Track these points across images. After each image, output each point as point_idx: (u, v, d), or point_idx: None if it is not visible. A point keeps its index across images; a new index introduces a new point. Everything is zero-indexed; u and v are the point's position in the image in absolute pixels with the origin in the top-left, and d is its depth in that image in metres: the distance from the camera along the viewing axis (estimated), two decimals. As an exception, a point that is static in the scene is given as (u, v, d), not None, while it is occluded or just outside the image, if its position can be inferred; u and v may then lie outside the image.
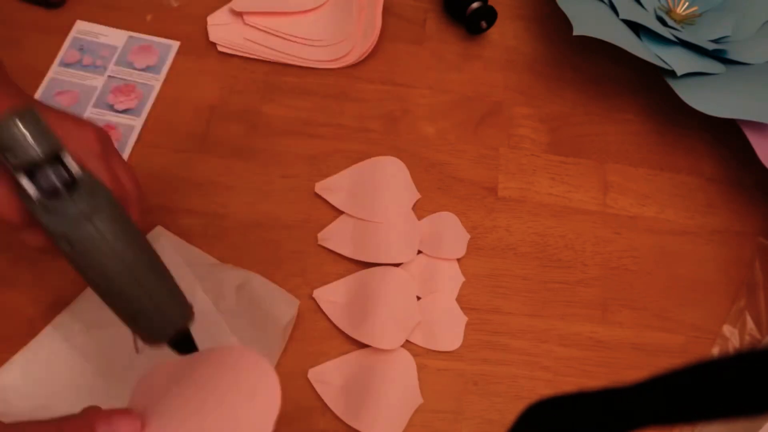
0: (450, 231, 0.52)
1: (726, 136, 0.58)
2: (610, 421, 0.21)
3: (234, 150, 0.54)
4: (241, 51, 0.57)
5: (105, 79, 0.55)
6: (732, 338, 0.51)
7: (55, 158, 0.32)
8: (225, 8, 0.59)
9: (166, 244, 0.48)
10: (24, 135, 0.30)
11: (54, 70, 0.55)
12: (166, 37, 0.58)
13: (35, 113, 0.31)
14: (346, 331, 0.47)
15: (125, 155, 0.52)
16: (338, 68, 0.58)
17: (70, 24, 0.58)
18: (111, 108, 0.54)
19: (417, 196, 0.54)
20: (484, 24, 0.60)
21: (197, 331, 0.38)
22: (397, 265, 0.50)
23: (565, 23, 0.52)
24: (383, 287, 0.48)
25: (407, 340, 0.48)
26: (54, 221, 0.32)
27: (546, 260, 0.52)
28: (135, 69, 0.56)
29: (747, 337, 0.51)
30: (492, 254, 0.52)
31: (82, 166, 0.33)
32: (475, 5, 0.58)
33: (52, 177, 0.32)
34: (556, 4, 0.53)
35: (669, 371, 0.19)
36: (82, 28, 0.57)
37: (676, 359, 0.48)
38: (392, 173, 0.54)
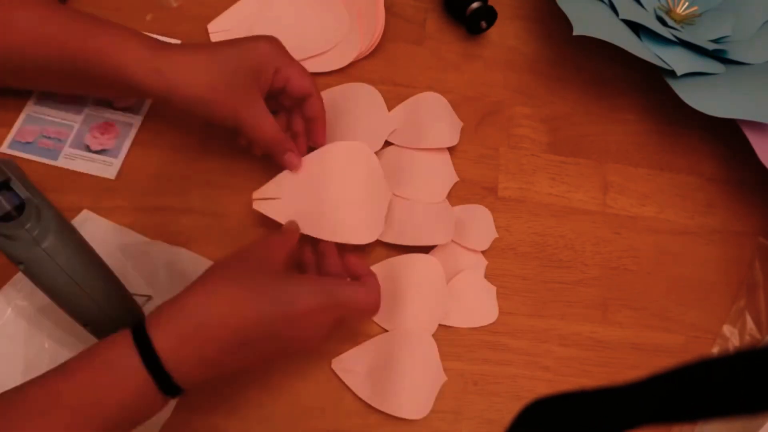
0: (480, 222, 0.53)
1: (726, 136, 0.58)
2: (608, 420, 0.21)
3: (234, 150, 0.54)
4: None
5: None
6: (732, 338, 0.51)
7: (3, 185, 0.36)
8: (225, 14, 0.59)
9: (94, 228, 0.48)
10: None
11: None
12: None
13: None
14: (380, 323, 0.48)
15: (123, 153, 0.52)
16: (339, 69, 0.58)
17: (70, 24, 0.58)
18: (109, 105, 0.54)
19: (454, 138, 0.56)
20: (484, 24, 0.60)
21: (129, 308, 0.42)
22: (426, 251, 0.50)
23: (565, 23, 0.52)
24: (413, 275, 0.49)
25: (441, 324, 0.49)
26: (9, 245, 0.36)
27: (546, 260, 0.52)
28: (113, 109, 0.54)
29: (747, 337, 0.51)
30: (492, 254, 0.52)
31: (26, 191, 0.38)
32: (475, 5, 0.58)
33: (3, 202, 0.36)
34: (555, 4, 0.53)
35: (668, 370, 0.19)
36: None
37: (676, 359, 0.48)
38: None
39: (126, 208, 0.51)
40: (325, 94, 0.56)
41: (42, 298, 0.43)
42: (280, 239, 0.43)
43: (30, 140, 0.51)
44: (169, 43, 0.45)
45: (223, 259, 0.40)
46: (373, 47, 0.58)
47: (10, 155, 0.51)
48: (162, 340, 0.34)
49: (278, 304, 0.37)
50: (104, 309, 0.40)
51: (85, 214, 0.49)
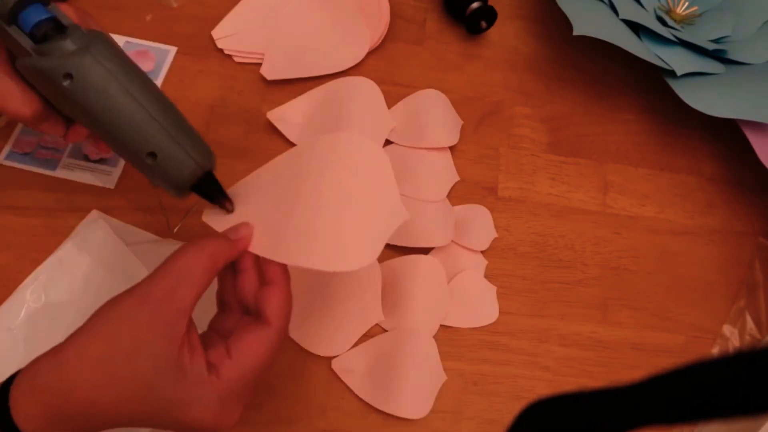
0: (479, 222, 0.53)
1: (726, 136, 0.58)
2: (608, 420, 0.21)
3: (234, 150, 0.54)
4: (252, 57, 0.57)
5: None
6: (732, 338, 0.51)
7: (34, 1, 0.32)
8: (227, 18, 0.59)
9: (104, 228, 0.48)
10: None
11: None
12: (166, 36, 0.58)
13: None
14: (381, 324, 0.48)
15: (122, 161, 0.52)
16: (347, 68, 0.58)
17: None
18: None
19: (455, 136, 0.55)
20: (484, 24, 0.60)
21: None
22: (425, 252, 0.50)
23: (565, 23, 0.52)
24: (414, 276, 0.49)
25: (441, 325, 0.49)
26: (51, 61, 0.31)
27: (546, 260, 0.52)
28: None
29: (747, 337, 0.51)
30: (492, 254, 0.52)
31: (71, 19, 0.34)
32: (475, 5, 0.58)
33: (39, 21, 0.32)
34: (555, 4, 0.53)
35: (668, 370, 0.19)
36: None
37: (676, 359, 0.48)
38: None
39: (126, 208, 0.50)
40: (324, 88, 0.56)
41: (57, 295, 0.42)
42: (204, 258, 0.33)
43: (28, 151, 0.51)
44: None
45: (117, 298, 0.32)
46: (376, 45, 0.58)
47: (8, 167, 0.50)
48: (25, 414, 0.30)
49: (158, 412, 0.31)
50: (172, 133, 0.34)
51: (95, 213, 0.49)
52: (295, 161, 0.37)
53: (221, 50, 0.58)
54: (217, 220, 0.37)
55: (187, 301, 0.32)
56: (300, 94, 0.56)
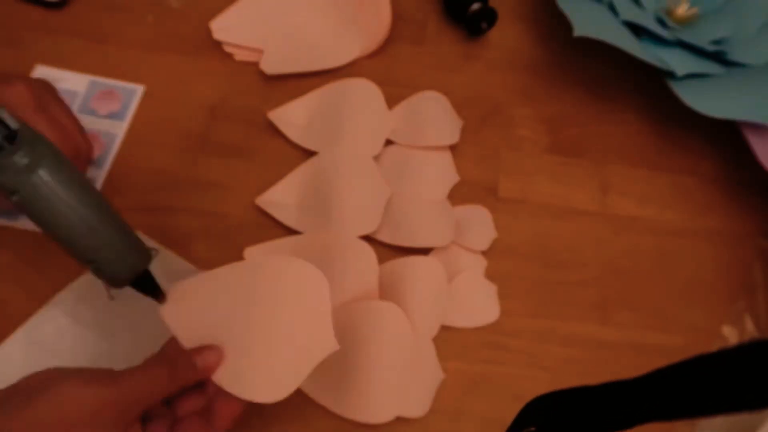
0: (479, 223, 0.53)
1: (726, 136, 0.58)
2: (610, 416, 0.21)
3: (234, 150, 0.54)
4: (248, 48, 0.57)
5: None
6: (732, 339, 0.51)
7: None
8: (228, 12, 0.59)
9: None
10: None
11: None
12: (167, 37, 0.58)
13: None
14: None
15: (107, 165, 0.52)
16: (339, 69, 0.58)
17: (71, 24, 0.58)
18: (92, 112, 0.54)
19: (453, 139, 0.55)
20: (484, 25, 0.60)
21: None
22: (425, 252, 0.50)
23: (566, 24, 0.52)
24: (415, 278, 0.49)
25: (442, 325, 0.49)
26: (1, 176, 0.33)
27: (546, 260, 0.52)
28: (97, 116, 0.54)
29: (747, 338, 0.51)
30: (492, 254, 0.52)
31: (20, 120, 0.34)
32: (475, 6, 0.59)
33: None
34: (556, 6, 0.53)
35: (669, 366, 0.19)
36: (42, 72, 0.55)
37: (676, 359, 0.48)
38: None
39: (126, 208, 0.50)
40: (325, 89, 0.56)
41: (85, 313, 0.42)
42: (170, 386, 0.34)
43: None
44: None
45: (67, 387, 0.31)
46: (378, 47, 0.58)
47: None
48: None
49: None
50: (109, 242, 0.36)
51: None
52: (242, 279, 0.39)
53: (221, 50, 0.58)
54: (175, 320, 0.38)
55: (136, 413, 0.33)
56: (301, 94, 0.56)
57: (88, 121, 0.53)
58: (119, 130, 0.53)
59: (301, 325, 0.37)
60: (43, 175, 0.34)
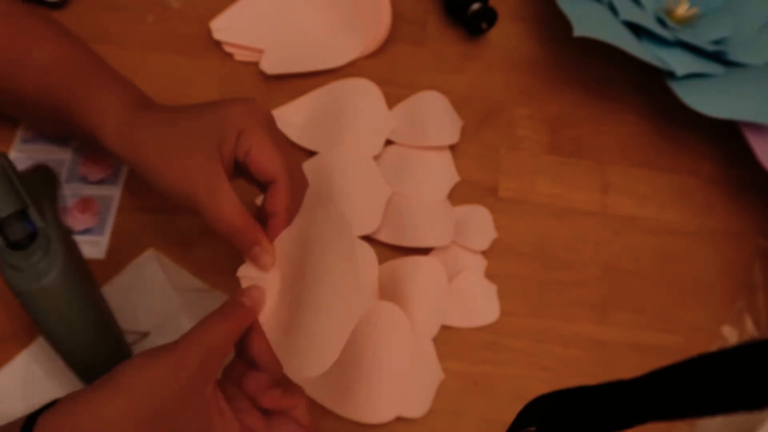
0: (479, 223, 0.53)
1: (726, 136, 0.58)
2: (610, 416, 0.21)
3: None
4: (248, 48, 0.57)
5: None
6: (732, 339, 0.51)
7: (21, 212, 0.35)
8: (228, 12, 0.59)
9: (157, 269, 0.48)
10: None
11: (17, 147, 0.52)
12: (167, 37, 0.58)
13: (5, 167, 0.35)
14: None
15: (107, 230, 0.52)
16: (339, 69, 0.58)
17: (71, 24, 0.58)
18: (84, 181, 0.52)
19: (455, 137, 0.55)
20: (484, 25, 0.60)
21: None
22: (425, 252, 0.50)
23: (566, 24, 0.52)
24: (415, 278, 0.48)
25: (442, 325, 0.49)
26: (12, 276, 0.35)
27: (546, 260, 0.52)
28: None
29: (746, 338, 0.51)
30: (492, 254, 0.52)
31: (49, 216, 0.37)
32: (475, 6, 0.59)
33: (17, 230, 0.35)
34: (556, 6, 0.53)
35: (669, 366, 0.19)
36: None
37: (676, 359, 0.48)
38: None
39: (126, 208, 0.51)
40: (325, 89, 0.56)
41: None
42: (231, 330, 0.34)
43: None
44: (145, 102, 0.42)
45: (149, 361, 0.32)
46: (378, 47, 0.58)
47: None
48: None
49: None
50: (92, 354, 0.39)
51: (151, 253, 0.49)
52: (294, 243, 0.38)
53: (221, 50, 0.58)
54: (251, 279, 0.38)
55: (215, 372, 0.33)
56: (301, 95, 0.56)
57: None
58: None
59: (331, 285, 0.36)
60: (48, 286, 0.36)
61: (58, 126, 0.46)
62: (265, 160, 0.37)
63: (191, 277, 0.49)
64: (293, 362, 0.35)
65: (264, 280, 0.38)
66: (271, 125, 0.39)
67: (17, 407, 0.43)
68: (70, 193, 0.50)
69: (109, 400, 0.30)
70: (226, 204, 0.36)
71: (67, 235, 0.39)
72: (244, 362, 0.37)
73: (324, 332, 0.35)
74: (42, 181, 0.41)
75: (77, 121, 0.41)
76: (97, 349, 0.39)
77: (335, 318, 0.35)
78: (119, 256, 0.49)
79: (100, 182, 0.51)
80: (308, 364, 0.35)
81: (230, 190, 0.37)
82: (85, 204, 0.50)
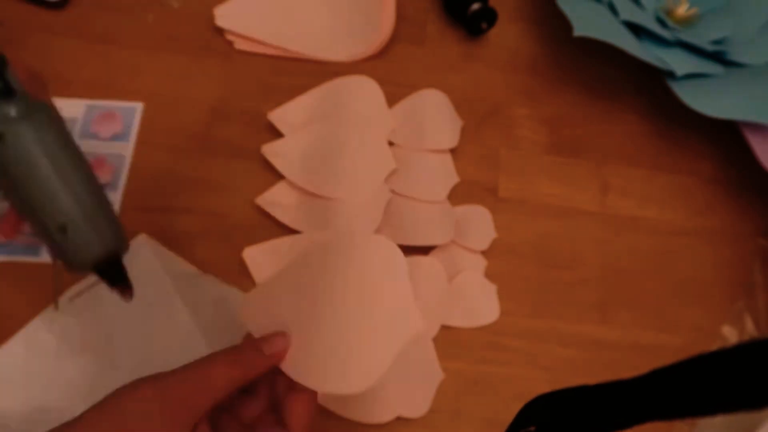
0: (479, 223, 0.53)
1: (726, 136, 0.58)
2: (610, 415, 0.21)
3: (234, 150, 0.54)
4: (252, 40, 0.57)
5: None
6: (732, 338, 0.51)
7: None
8: (233, 1, 0.59)
9: (148, 253, 0.48)
10: None
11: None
12: (167, 37, 0.58)
13: None
14: None
15: (128, 158, 0.52)
16: (339, 69, 0.58)
17: (71, 24, 0.58)
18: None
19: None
20: (484, 25, 0.60)
21: (172, 341, 0.38)
22: (426, 252, 0.50)
23: (566, 24, 0.52)
24: (415, 279, 0.48)
25: (442, 325, 0.49)
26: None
27: (546, 260, 0.52)
28: (100, 140, 0.53)
29: (746, 338, 0.51)
30: (492, 254, 0.52)
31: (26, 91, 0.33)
32: (475, 6, 0.59)
33: None
34: (556, 6, 0.53)
35: (669, 366, 0.19)
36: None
37: (676, 359, 0.48)
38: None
39: (126, 208, 0.51)
40: (325, 87, 0.56)
41: (95, 311, 0.41)
42: (236, 373, 0.32)
43: (3, 241, 0.48)
44: None
45: (138, 387, 0.31)
46: (380, 48, 0.58)
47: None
48: None
49: None
50: (85, 205, 0.34)
51: (143, 238, 0.49)
52: (315, 260, 0.36)
53: (221, 51, 0.58)
54: (254, 315, 0.36)
55: (205, 407, 0.31)
56: (301, 93, 0.56)
57: (91, 145, 0.52)
58: (126, 151, 0.53)
59: (380, 306, 0.34)
60: (34, 124, 0.33)
61: None
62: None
63: (183, 261, 0.49)
64: (329, 380, 0.33)
65: (264, 323, 0.35)
66: None
67: (17, 389, 0.43)
68: (84, 150, 0.50)
69: (94, 421, 0.30)
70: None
71: (49, 106, 0.36)
72: (265, 404, 0.35)
73: (367, 348, 0.33)
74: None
75: None
76: (92, 206, 0.35)
77: (381, 335, 0.33)
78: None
79: (112, 138, 0.52)
80: (343, 378, 0.32)
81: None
82: (98, 163, 0.51)
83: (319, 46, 0.58)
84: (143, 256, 0.48)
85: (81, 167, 0.35)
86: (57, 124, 0.34)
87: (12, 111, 0.33)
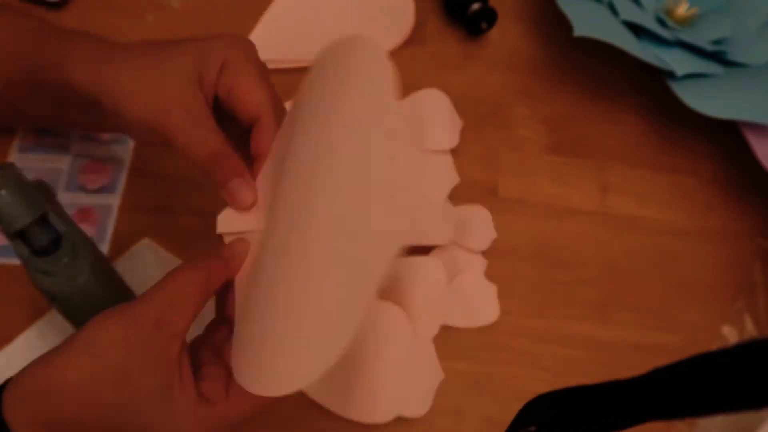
0: (479, 223, 0.52)
1: (726, 136, 0.58)
2: (610, 415, 0.21)
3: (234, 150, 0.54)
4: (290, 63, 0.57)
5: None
6: (732, 338, 0.51)
7: (41, 218, 0.34)
8: (257, 31, 0.59)
9: (151, 258, 0.48)
10: (12, 205, 0.33)
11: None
12: (167, 36, 0.58)
13: (19, 177, 0.33)
14: None
15: (127, 158, 0.53)
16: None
17: (71, 24, 0.57)
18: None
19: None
20: (484, 25, 0.60)
21: None
22: (426, 252, 0.50)
23: (566, 24, 0.52)
24: (415, 279, 0.48)
25: (442, 325, 0.48)
26: (44, 281, 0.36)
27: (546, 260, 0.52)
28: (99, 142, 0.52)
29: (747, 338, 0.51)
30: (492, 254, 0.52)
31: (66, 222, 0.37)
32: (475, 6, 0.59)
33: (41, 237, 0.35)
34: (556, 6, 0.53)
35: (668, 365, 0.19)
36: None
37: (676, 359, 0.48)
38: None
39: (126, 208, 0.51)
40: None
41: None
42: (197, 282, 0.31)
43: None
44: (121, 45, 0.39)
45: (109, 315, 0.30)
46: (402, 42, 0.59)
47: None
48: (17, 419, 0.29)
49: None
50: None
51: (146, 242, 0.49)
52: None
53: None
54: (232, 222, 0.34)
55: (179, 326, 0.30)
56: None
57: (90, 148, 0.52)
58: (125, 155, 0.53)
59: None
60: (82, 286, 0.36)
61: (33, 107, 0.45)
62: (251, 94, 0.34)
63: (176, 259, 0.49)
64: (252, 373, 0.30)
65: (246, 235, 0.33)
66: (257, 60, 0.37)
67: None
68: (68, 202, 0.50)
69: (70, 357, 0.30)
70: (204, 127, 0.34)
71: (84, 233, 0.39)
72: (227, 327, 0.34)
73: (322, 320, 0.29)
74: (43, 193, 0.41)
75: (48, 79, 0.39)
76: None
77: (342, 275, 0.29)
78: (117, 254, 0.49)
79: (99, 191, 0.51)
80: (277, 378, 0.29)
81: (209, 115, 0.34)
82: (84, 213, 0.50)
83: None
84: (145, 261, 0.48)
85: (115, 297, 0.40)
86: (96, 260, 0.38)
87: (59, 268, 0.36)
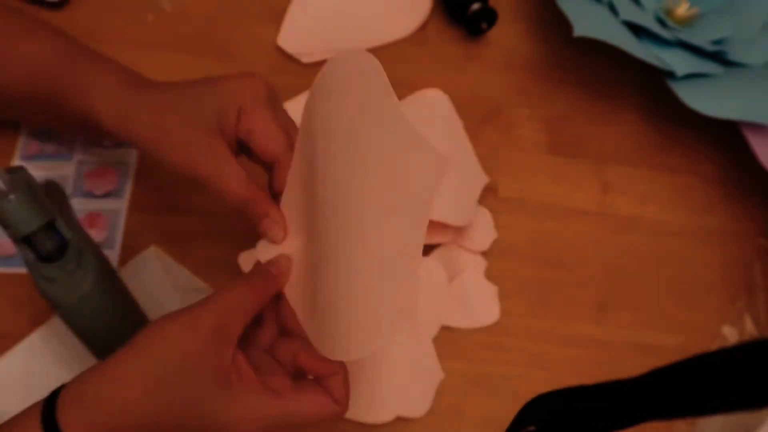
0: (479, 223, 0.52)
1: (726, 136, 0.58)
2: (610, 415, 0.21)
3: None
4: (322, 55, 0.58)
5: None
6: (732, 338, 0.51)
7: (49, 225, 0.35)
8: (286, 23, 0.59)
9: (157, 267, 0.48)
10: (20, 210, 0.33)
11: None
12: (166, 37, 0.58)
13: (29, 182, 0.34)
14: None
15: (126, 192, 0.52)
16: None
17: (71, 24, 0.58)
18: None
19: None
20: (484, 25, 0.60)
21: None
22: (426, 252, 0.50)
23: (566, 24, 0.52)
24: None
25: (442, 325, 0.48)
26: (49, 288, 0.36)
27: (546, 260, 0.52)
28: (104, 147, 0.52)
29: (747, 338, 0.51)
30: (492, 254, 0.52)
31: (73, 228, 0.37)
32: (475, 6, 0.59)
33: (47, 243, 0.35)
34: (556, 6, 0.53)
35: (668, 365, 0.19)
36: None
37: (676, 359, 0.48)
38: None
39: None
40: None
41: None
42: (253, 297, 0.34)
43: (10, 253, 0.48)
44: (144, 81, 0.41)
45: (166, 322, 0.32)
46: (415, 30, 0.60)
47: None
48: (72, 427, 0.30)
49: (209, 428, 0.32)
50: (119, 334, 0.39)
51: (153, 250, 0.49)
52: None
53: (221, 50, 0.58)
54: (269, 249, 0.37)
55: (234, 335, 0.33)
56: (302, 91, 0.56)
57: (95, 153, 0.52)
58: (130, 158, 0.53)
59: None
60: (86, 294, 0.37)
61: (52, 120, 0.46)
62: (268, 140, 0.37)
63: (192, 276, 0.48)
64: (327, 343, 0.33)
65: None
66: (273, 100, 0.39)
67: (18, 396, 0.43)
68: (77, 208, 0.49)
69: (128, 360, 0.31)
70: (230, 176, 0.36)
71: (91, 241, 0.39)
72: (274, 330, 0.37)
73: (370, 301, 0.32)
74: (54, 195, 0.41)
75: (73, 109, 0.41)
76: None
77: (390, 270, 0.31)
78: (126, 259, 0.49)
79: (106, 195, 0.51)
80: (347, 345, 0.32)
81: (233, 162, 0.37)
82: (93, 219, 0.50)
83: (370, 35, 0.60)
84: (152, 270, 0.48)
85: (127, 313, 0.40)
86: (101, 268, 0.38)
87: (63, 276, 0.36)
